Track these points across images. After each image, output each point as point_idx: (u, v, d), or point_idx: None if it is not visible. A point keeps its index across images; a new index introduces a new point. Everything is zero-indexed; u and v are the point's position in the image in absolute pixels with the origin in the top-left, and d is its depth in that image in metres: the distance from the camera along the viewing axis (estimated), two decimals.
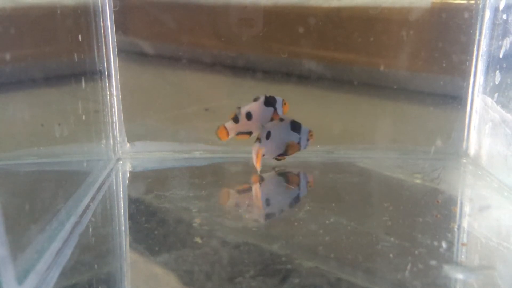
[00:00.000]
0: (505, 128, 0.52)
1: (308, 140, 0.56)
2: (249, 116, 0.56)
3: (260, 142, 0.54)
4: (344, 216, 0.44)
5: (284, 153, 0.55)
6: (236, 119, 0.56)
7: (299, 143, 0.55)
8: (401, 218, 0.44)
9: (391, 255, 0.38)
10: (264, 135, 0.54)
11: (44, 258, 0.36)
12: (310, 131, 0.56)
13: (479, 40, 0.58)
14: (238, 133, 0.57)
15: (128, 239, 0.42)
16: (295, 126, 0.55)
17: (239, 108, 0.56)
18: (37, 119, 0.47)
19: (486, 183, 0.54)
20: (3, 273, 0.30)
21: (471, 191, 0.54)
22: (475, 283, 0.35)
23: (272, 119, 0.56)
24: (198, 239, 0.40)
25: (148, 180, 0.55)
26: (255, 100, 0.56)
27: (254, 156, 0.54)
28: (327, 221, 0.43)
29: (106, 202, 0.49)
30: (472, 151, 0.60)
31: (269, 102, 0.56)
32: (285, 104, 0.57)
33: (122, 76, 0.59)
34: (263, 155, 0.54)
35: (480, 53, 0.58)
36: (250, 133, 0.57)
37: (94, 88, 0.56)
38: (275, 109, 0.56)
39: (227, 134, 0.57)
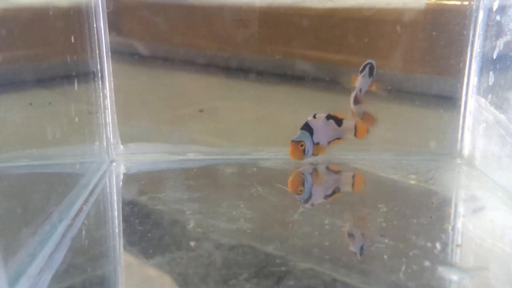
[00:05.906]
0: (499, 129, 0.52)
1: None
2: None
3: None
4: (338, 218, 0.44)
5: None
6: None
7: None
8: (395, 219, 0.44)
9: (385, 257, 0.38)
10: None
11: (36, 261, 0.36)
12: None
13: (473, 41, 0.58)
14: None
15: (121, 241, 0.42)
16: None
17: None
18: (29, 120, 0.47)
19: (480, 184, 0.54)
20: None
21: (465, 192, 0.54)
22: (470, 284, 0.35)
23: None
24: (192, 242, 0.40)
25: (142, 182, 0.55)
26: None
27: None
28: (321, 223, 0.43)
29: (99, 205, 0.49)
30: (466, 152, 0.60)
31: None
32: None
33: (115, 77, 0.58)
34: None
35: (474, 54, 0.58)
36: None
37: (87, 89, 0.56)
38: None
39: None
